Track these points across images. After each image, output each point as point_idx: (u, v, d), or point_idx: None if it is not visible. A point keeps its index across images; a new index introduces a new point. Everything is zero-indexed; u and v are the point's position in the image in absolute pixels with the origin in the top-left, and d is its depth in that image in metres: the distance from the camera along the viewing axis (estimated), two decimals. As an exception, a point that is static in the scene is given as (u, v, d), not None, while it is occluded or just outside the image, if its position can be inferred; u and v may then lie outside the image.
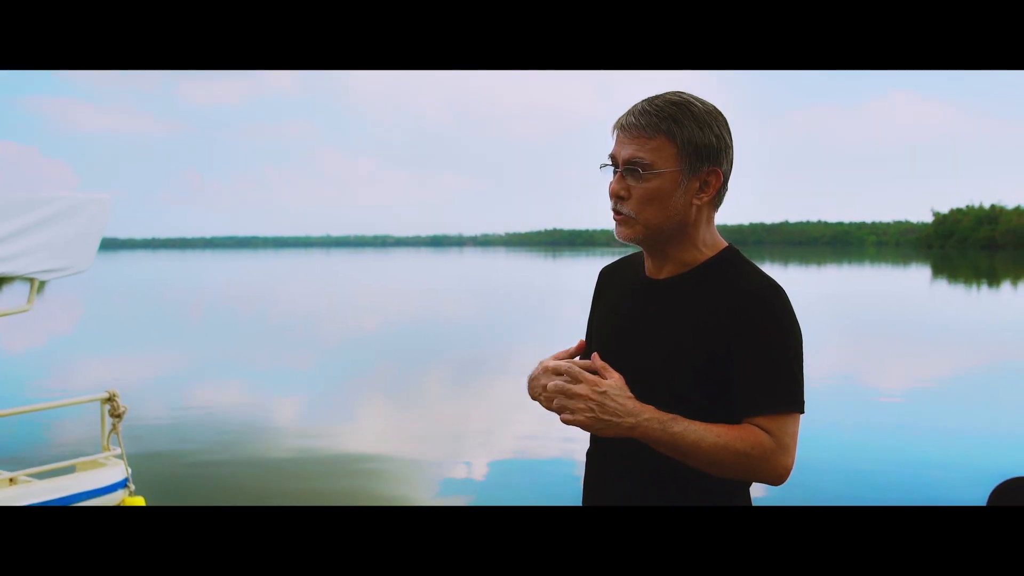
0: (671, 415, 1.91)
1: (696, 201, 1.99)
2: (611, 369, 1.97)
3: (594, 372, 1.98)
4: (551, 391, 1.94)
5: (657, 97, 2.00)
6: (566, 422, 1.93)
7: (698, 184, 1.98)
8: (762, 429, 1.92)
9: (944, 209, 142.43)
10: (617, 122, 2.02)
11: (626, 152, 1.98)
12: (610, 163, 2.04)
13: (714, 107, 2.01)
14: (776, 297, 1.95)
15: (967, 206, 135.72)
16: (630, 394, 1.93)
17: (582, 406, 1.90)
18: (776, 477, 1.93)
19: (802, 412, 1.95)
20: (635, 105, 2.01)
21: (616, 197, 2.02)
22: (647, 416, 1.90)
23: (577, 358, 2.11)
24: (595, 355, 2.01)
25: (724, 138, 1.99)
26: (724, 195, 2.05)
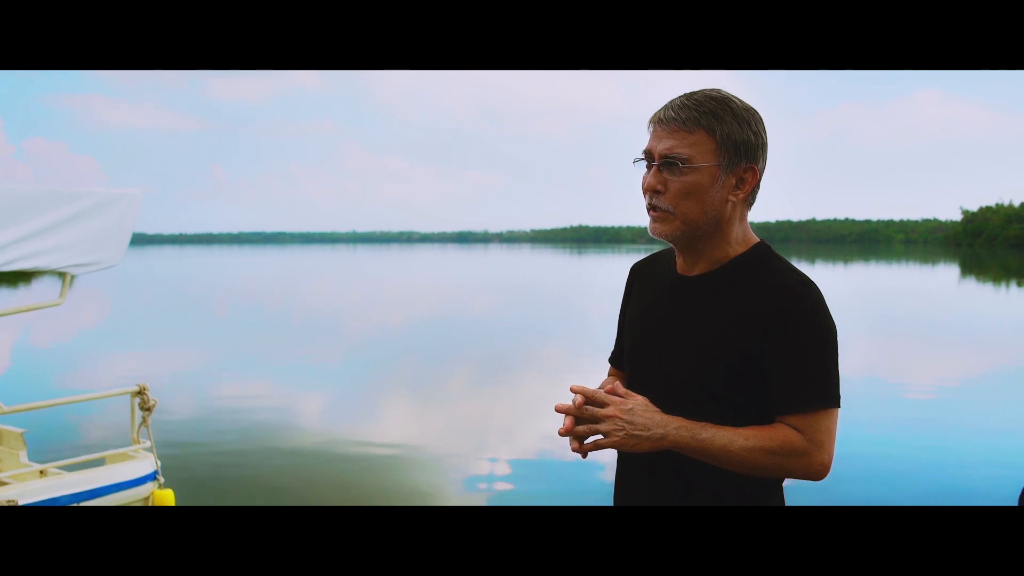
0: (700, 423, 1.91)
1: (732, 198, 1.98)
2: (633, 393, 1.97)
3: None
4: (579, 414, 1.93)
5: (696, 92, 1.99)
6: (600, 446, 1.93)
7: (734, 180, 1.98)
8: (793, 427, 1.91)
9: (973, 207, 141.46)
10: (654, 116, 2.01)
11: (664, 146, 1.97)
12: (644, 158, 2.02)
13: (752, 106, 2.01)
14: (808, 292, 1.94)
15: (997, 204, 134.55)
16: (656, 408, 1.94)
17: (613, 427, 1.91)
18: (813, 474, 1.93)
19: (837, 407, 1.94)
20: (673, 100, 1.99)
21: (652, 192, 2.00)
22: (676, 425, 1.91)
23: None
24: (616, 383, 2.01)
25: (761, 136, 1.99)
26: (757, 194, 2.04)
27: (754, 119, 1.98)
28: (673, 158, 1.95)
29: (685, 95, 1.99)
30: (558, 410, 1.97)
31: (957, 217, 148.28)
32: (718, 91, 1.99)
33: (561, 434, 1.98)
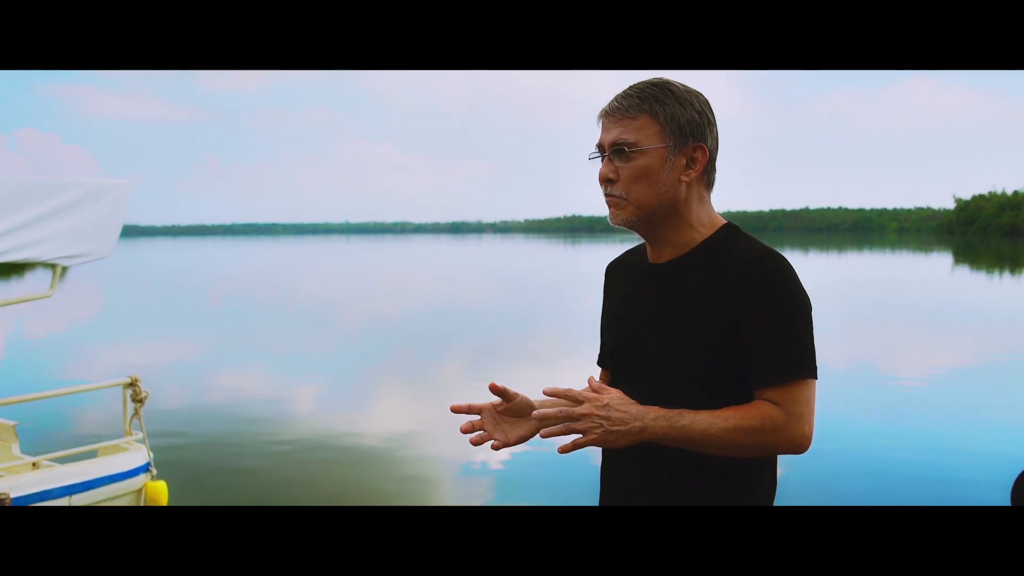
0: (677, 410, 1.90)
1: (684, 178, 2.00)
2: (607, 387, 1.96)
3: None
4: (554, 417, 1.91)
5: (638, 82, 2.03)
6: (579, 445, 1.91)
7: (685, 161, 2.00)
8: (771, 401, 1.90)
9: (966, 195, 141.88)
10: (601, 111, 2.06)
11: (611, 135, 2.02)
12: (597, 153, 2.06)
13: (695, 89, 2.04)
14: (777, 264, 1.93)
15: (990, 192, 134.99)
16: (631, 400, 1.92)
17: (590, 424, 1.89)
18: (795, 447, 1.92)
19: (814, 377, 1.93)
20: (618, 93, 2.05)
21: (606, 181, 2.04)
22: (653, 416, 1.89)
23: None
24: (590, 378, 2.01)
25: (707, 115, 2.02)
26: (714, 175, 2.06)
27: (697, 100, 2.02)
28: (620, 144, 2.00)
29: (628, 86, 2.04)
30: (534, 417, 1.96)
31: (950, 205, 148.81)
32: (659, 78, 2.03)
33: (542, 436, 2.02)
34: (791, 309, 1.92)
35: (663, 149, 1.98)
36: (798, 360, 1.91)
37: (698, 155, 2.00)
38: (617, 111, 2.01)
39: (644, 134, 1.98)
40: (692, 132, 1.99)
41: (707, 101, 2.04)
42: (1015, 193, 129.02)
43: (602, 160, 2.05)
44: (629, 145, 1.98)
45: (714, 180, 2.07)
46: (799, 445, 1.92)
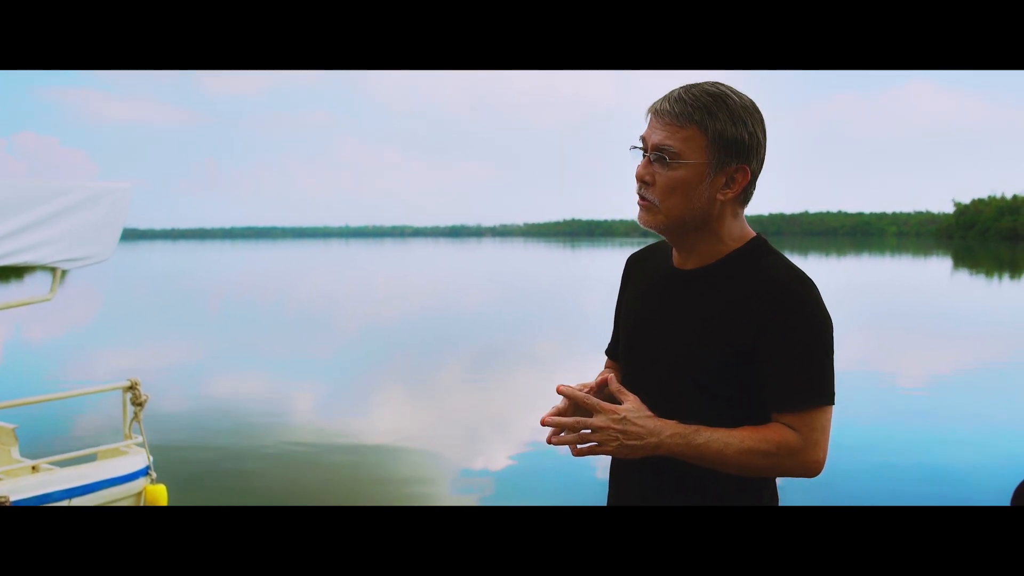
0: (693, 427, 1.89)
1: (720, 196, 1.95)
2: (626, 391, 1.96)
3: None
4: (569, 425, 1.91)
5: (695, 86, 1.95)
6: (595, 452, 1.92)
7: (724, 179, 1.94)
8: (789, 426, 1.90)
9: (966, 199, 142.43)
10: (652, 106, 1.98)
11: (656, 138, 1.94)
12: (640, 145, 2.00)
13: (752, 103, 1.97)
14: (805, 289, 1.91)
15: (989, 196, 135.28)
16: (649, 413, 1.92)
17: (606, 437, 1.89)
18: (808, 472, 1.92)
19: (832, 404, 1.92)
20: (672, 91, 1.97)
21: (641, 182, 1.98)
22: (669, 432, 1.88)
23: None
24: (610, 378, 1.99)
25: (757, 136, 1.95)
26: (752, 192, 2.01)
27: (751, 118, 1.94)
28: (662, 152, 1.94)
29: (684, 87, 1.96)
30: (544, 423, 1.94)
31: (950, 210, 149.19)
32: (717, 86, 1.95)
33: (550, 442, 1.96)
34: (814, 336, 1.90)
35: (704, 165, 1.92)
36: (818, 387, 1.91)
37: (738, 176, 1.94)
38: (667, 115, 1.93)
39: (688, 146, 1.91)
40: (737, 153, 1.92)
41: (761, 120, 1.97)
42: (1014, 197, 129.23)
43: (643, 156, 1.99)
44: (671, 155, 1.92)
45: (751, 196, 2.02)
46: (812, 471, 1.92)
